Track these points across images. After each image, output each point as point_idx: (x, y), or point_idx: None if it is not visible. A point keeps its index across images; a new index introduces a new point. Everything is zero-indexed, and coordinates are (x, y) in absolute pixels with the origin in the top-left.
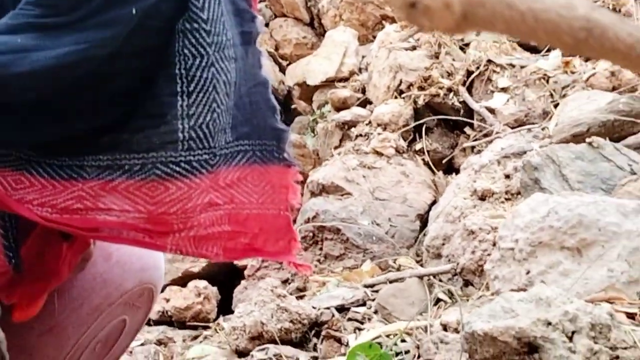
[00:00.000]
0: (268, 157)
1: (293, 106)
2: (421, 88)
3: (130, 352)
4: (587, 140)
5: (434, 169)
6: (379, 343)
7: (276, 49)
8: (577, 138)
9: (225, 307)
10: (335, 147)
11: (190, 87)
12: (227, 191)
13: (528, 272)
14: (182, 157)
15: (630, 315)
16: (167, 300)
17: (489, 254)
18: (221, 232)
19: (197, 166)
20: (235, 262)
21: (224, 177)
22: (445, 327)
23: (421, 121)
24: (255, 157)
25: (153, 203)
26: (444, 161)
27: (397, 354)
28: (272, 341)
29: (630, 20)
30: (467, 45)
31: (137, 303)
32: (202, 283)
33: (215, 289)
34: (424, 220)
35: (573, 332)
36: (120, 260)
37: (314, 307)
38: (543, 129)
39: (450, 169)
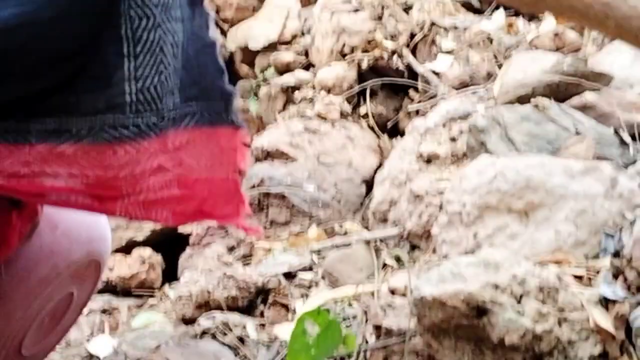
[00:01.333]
0: (216, 118)
1: (235, 70)
2: (365, 51)
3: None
4: (532, 101)
5: (379, 132)
6: (327, 309)
7: (217, 12)
8: (522, 99)
9: (170, 275)
10: (279, 112)
11: (137, 49)
12: (175, 154)
13: (475, 236)
14: (131, 120)
15: (578, 277)
16: (111, 269)
17: (435, 218)
18: (170, 196)
19: (145, 129)
20: (180, 229)
21: (173, 140)
22: (393, 292)
23: (365, 84)
24: (204, 119)
25: (101, 167)
26: (388, 124)
27: (344, 319)
28: (219, 308)
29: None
30: (410, 7)
31: (84, 275)
32: (147, 251)
33: (159, 257)
34: (369, 184)
35: (521, 295)
36: (67, 231)
37: (260, 274)
38: (487, 90)
39: (396, 132)
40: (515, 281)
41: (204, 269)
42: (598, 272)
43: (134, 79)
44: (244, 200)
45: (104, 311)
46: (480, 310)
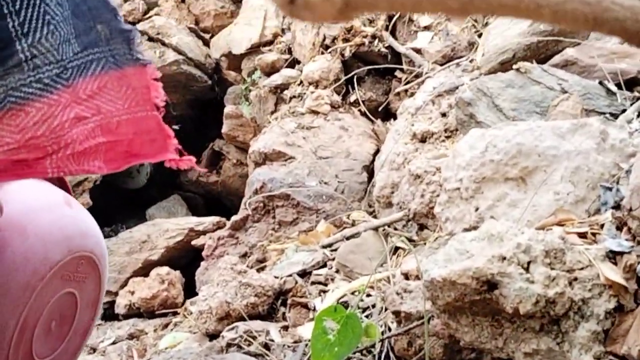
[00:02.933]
0: (121, 60)
1: (224, 78)
2: (345, 40)
3: (103, 352)
4: (514, 66)
5: (372, 118)
6: (345, 302)
7: (196, 23)
8: (505, 65)
9: (191, 290)
10: (272, 112)
11: (16, 6)
12: (91, 102)
13: (477, 209)
14: (32, 77)
15: (582, 235)
16: (132, 293)
17: (437, 195)
18: (97, 144)
19: (50, 83)
20: (193, 242)
21: (84, 89)
22: (406, 276)
23: (351, 74)
24: (109, 63)
25: (18, 131)
26: (380, 109)
27: (364, 310)
28: (240, 318)
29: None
30: None
31: (79, 274)
32: (164, 269)
33: (178, 272)
34: (370, 170)
35: (529, 263)
36: (39, 233)
37: (276, 277)
38: (471, 61)
39: (388, 115)
40: (520, 250)
41: (220, 281)
42: (602, 227)
43: (22, 35)
44: (169, 135)
45: (130, 336)
46: (490, 284)
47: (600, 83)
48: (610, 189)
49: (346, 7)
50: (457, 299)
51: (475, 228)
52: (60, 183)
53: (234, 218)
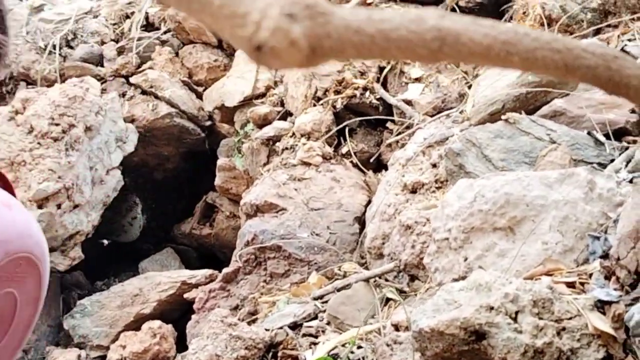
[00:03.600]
0: None
1: (217, 131)
2: (337, 92)
3: None
4: (503, 117)
5: (363, 169)
6: (336, 354)
7: (190, 76)
8: (495, 116)
9: (184, 344)
10: (264, 164)
11: None
12: None
13: (466, 259)
14: None
15: (571, 285)
16: (124, 347)
17: (428, 246)
18: None
19: None
20: (186, 295)
21: None
22: (397, 327)
23: (342, 125)
24: None
25: None
26: (372, 160)
27: None
28: None
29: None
30: None
31: (18, 274)
32: (156, 323)
33: (170, 326)
34: (362, 222)
35: (517, 312)
36: None
37: (266, 329)
38: (461, 112)
39: (380, 166)
40: (507, 299)
41: (210, 333)
42: (590, 276)
43: None
44: None
45: None
46: (478, 334)
47: (589, 133)
48: (598, 238)
49: (313, 54)
50: (445, 350)
51: (464, 278)
52: (2, 182)
53: (225, 270)
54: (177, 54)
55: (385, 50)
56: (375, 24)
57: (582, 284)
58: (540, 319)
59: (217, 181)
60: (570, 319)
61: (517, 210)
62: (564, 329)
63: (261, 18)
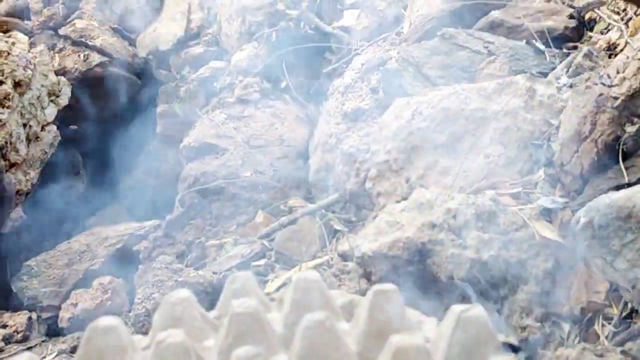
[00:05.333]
0: None
1: (154, 77)
2: (272, 25)
3: None
4: (438, 33)
5: (303, 102)
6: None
7: (121, 23)
8: (431, 34)
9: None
10: (203, 107)
11: None
12: None
13: (408, 180)
14: None
15: (515, 195)
16: (75, 305)
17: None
18: None
19: None
20: (135, 247)
21: None
22: (344, 257)
23: (277, 54)
24: None
25: None
26: (311, 92)
27: None
28: None
29: None
30: None
31: None
32: (107, 278)
33: (121, 280)
34: (305, 156)
35: (460, 228)
36: None
37: (214, 273)
38: (398, 34)
39: (321, 98)
40: (450, 215)
41: (155, 281)
42: (535, 186)
43: None
44: None
45: (74, 350)
46: (422, 253)
47: (528, 42)
48: (541, 146)
49: None
50: (390, 272)
51: (407, 200)
52: None
53: (169, 217)
54: (105, 2)
55: None
56: None
57: (527, 194)
58: (485, 232)
59: (159, 129)
60: (516, 230)
61: (456, 125)
62: (510, 240)
63: None
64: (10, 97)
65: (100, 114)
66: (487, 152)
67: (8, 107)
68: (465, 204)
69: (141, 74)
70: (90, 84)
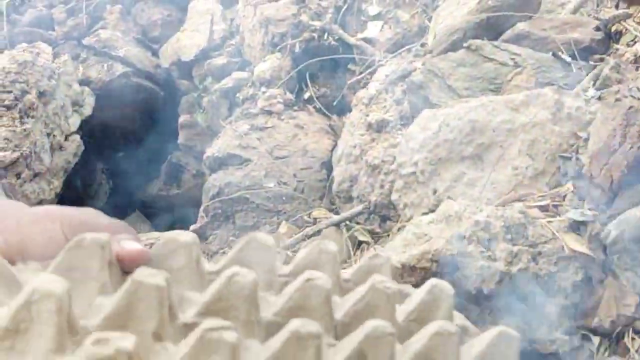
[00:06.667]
0: None
1: (176, 87)
2: (294, 36)
3: None
4: (465, 45)
5: (327, 113)
6: None
7: (144, 34)
8: (457, 46)
9: None
10: (226, 118)
11: None
12: None
13: (435, 192)
14: None
15: (544, 208)
16: None
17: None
18: None
19: None
20: None
21: None
22: None
23: (301, 66)
24: None
25: None
26: (335, 103)
27: None
28: None
29: None
30: None
31: None
32: None
33: None
34: (329, 167)
35: (489, 240)
36: None
37: None
38: (422, 45)
39: (344, 109)
40: (479, 228)
41: None
42: (564, 198)
43: None
44: None
45: None
46: (451, 266)
47: (554, 54)
48: (569, 158)
49: None
50: (419, 284)
51: (434, 211)
52: None
53: (193, 227)
54: (129, 12)
55: None
56: None
57: (555, 206)
58: (514, 245)
59: (180, 139)
60: (545, 242)
61: (483, 136)
62: (539, 253)
63: None
64: (35, 106)
65: (123, 124)
66: (514, 164)
67: (32, 117)
68: (494, 216)
69: (163, 84)
70: (114, 94)
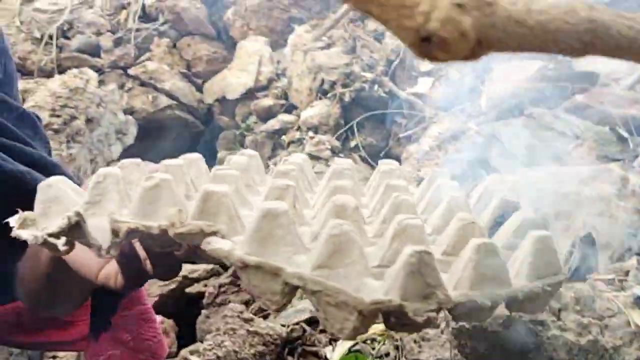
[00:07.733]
0: None
1: (216, 123)
2: (345, 85)
3: None
4: (526, 112)
5: (372, 163)
6: (357, 350)
7: (188, 68)
8: (512, 111)
9: (184, 338)
10: (269, 158)
11: None
12: None
13: None
14: None
15: (609, 282)
16: None
17: None
18: None
19: None
20: (188, 289)
21: None
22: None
23: (353, 122)
24: None
25: None
26: (381, 154)
27: (380, 358)
28: None
29: None
30: (381, 35)
31: None
32: (158, 318)
33: (171, 321)
34: None
35: (559, 310)
36: None
37: (283, 325)
38: (474, 106)
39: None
40: None
41: (226, 329)
42: (626, 274)
43: None
44: None
45: None
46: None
47: (612, 129)
48: (634, 235)
49: (479, 46)
50: (488, 349)
51: None
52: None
53: None
54: (174, 45)
55: (543, 43)
56: (533, 16)
57: (620, 281)
58: (583, 316)
59: None
60: (611, 316)
61: (550, 206)
62: (606, 326)
63: (431, 9)
64: (82, 132)
65: (162, 154)
66: (579, 236)
67: (79, 142)
68: (565, 286)
69: (205, 119)
70: (156, 126)
